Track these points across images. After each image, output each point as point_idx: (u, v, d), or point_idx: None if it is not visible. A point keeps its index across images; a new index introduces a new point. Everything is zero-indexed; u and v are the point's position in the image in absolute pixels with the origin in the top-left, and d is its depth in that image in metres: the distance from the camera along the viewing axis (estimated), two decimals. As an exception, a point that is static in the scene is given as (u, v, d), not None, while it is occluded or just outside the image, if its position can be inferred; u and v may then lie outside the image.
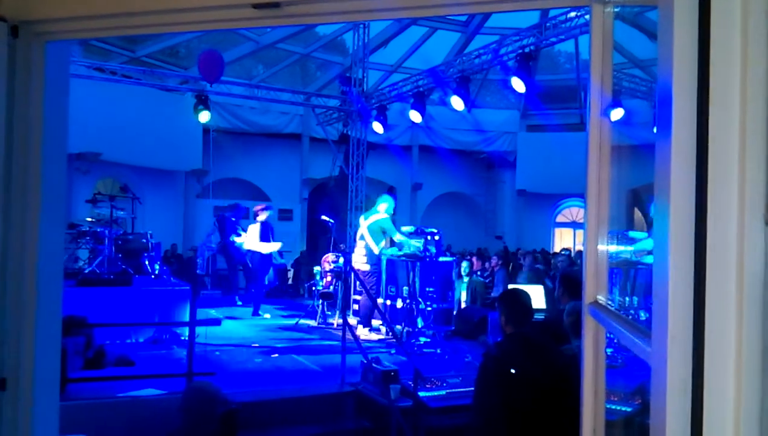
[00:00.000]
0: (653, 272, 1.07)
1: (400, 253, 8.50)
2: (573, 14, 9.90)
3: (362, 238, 8.74)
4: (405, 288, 8.44)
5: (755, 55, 0.97)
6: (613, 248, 1.96)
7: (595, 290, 1.80)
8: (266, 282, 10.45)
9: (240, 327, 9.14)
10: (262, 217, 10.08)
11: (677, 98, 1.00)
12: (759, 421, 0.96)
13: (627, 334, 1.38)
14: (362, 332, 8.37)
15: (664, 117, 1.04)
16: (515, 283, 9.49)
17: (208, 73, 10.10)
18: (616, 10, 1.81)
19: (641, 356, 1.23)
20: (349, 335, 6.13)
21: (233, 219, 11.41)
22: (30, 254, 2.28)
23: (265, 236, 10.00)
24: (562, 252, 14.83)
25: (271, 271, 10.57)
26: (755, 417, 0.96)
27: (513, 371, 3.19)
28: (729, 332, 0.97)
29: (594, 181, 1.79)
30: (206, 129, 14.93)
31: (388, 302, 8.63)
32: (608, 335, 1.82)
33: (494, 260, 11.75)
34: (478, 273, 11.71)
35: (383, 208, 8.73)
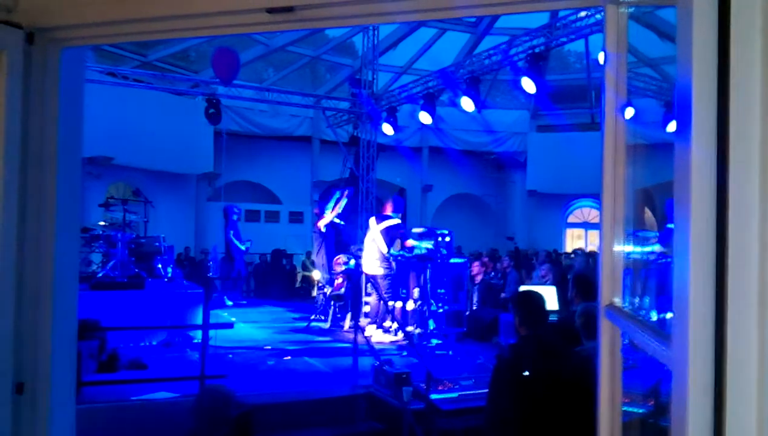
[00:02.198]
0: (673, 274, 1.06)
1: (411, 254, 8.47)
2: (583, 14, 9.87)
3: (373, 240, 8.70)
4: (416, 290, 8.43)
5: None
6: (629, 248, 1.93)
7: (611, 292, 1.78)
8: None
9: (252, 329, 9.17)
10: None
11: (697, 98, 0.99)
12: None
13: (645, 337, 1.37)
14: (374, 332, 8.35)
15: (684, 117, 1.03)
16: (528, 284, 9.45)
17: (223, 73, 9.84)
18: (630, 10, 1.80)
19: (661, 359, 1.22)
20: (360, 338, 6.13)
21: (235, 218, 11.64)
22: (46, 259, 2.29)
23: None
24: (572, 255, 14.71)
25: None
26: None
27: (526, 373, 3.18)
28: (751, 333, 0.95)
29: (609, 182, 1.77)
30: (217, 132, 15.01)
31: (399, 304, 8.62)
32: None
33: (506, 261, 11.71)
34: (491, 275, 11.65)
35: (390, 210, 8.70)
